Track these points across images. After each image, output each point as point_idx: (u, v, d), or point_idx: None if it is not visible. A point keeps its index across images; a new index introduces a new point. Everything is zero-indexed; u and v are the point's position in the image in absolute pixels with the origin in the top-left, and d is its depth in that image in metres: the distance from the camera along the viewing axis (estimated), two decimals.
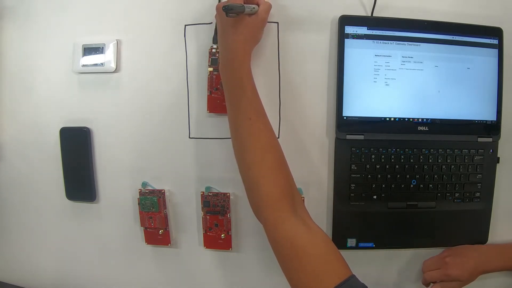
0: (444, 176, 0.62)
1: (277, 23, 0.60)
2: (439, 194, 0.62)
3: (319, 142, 0.62)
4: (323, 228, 0.63)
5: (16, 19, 0.65)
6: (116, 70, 0.63)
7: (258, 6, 0.53)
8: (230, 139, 0.52)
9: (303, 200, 0.60)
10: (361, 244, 0.63)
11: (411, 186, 0.62)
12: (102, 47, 0.62)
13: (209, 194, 0.63)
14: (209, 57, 0.60)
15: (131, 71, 0.63)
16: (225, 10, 0.47)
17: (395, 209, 0.62)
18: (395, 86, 0.60)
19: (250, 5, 0.51)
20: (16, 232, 0.70)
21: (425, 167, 0.62)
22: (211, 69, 0.60)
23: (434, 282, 0.60)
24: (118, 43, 0.63)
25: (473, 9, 0.61)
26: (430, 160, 0.62)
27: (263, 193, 0.47)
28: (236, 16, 0.50)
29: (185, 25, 0.61)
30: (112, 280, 0.69)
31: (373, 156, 0.61)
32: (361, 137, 0.61)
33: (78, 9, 0.63)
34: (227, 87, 0.52)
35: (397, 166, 0.61)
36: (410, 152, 0.61)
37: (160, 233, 0.64)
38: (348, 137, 0.60)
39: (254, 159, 0.49)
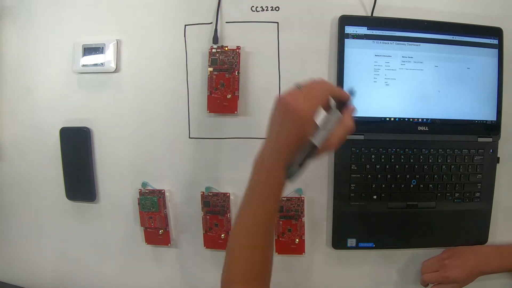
0: (444, 176, 0.62)
1: (277, 23, 0.60)
2: (439, 194, 0.62)
3: None
4: (323, 228, 0.64)
5: (16, 19, 0.65)
6: (116, 70, 0.63)
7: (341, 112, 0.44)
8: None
9: (303, 200, 0.61)
10: (361, 244, 0.63)
11: (411, 186, 0.62)
12: (102, 47, 0.62)
13: (209, 194, 0.63)
14: (209, 57, 0.60)
15: (131, 71, 0.63)
16: (289, 177, 0.40)
17: (395, 209, 0.62)
18: (395, 86, 0.60)
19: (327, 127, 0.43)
20: (16, 232, 0.70)
21: (425, 167, 0.62)
22: (211, 69, 0.60)
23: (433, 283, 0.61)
24: (118, 43, 0.63)
25: (473, 9, 0.61)
26: (430, 160, 0.61)
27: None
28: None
29: (185, 25, 0.61)
30: (112, 280, 0.69)
31: (373, 156, 0.61)
32: (361, 137, 0.61)
33: (78, 9, 0.63)
34: (261, 177, 0.44)
35: (397, 166, 0.61)
36: (410, 152, 0.61)
37: (160, 233, 0.64)
38: (348, 137, 0.60)
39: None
